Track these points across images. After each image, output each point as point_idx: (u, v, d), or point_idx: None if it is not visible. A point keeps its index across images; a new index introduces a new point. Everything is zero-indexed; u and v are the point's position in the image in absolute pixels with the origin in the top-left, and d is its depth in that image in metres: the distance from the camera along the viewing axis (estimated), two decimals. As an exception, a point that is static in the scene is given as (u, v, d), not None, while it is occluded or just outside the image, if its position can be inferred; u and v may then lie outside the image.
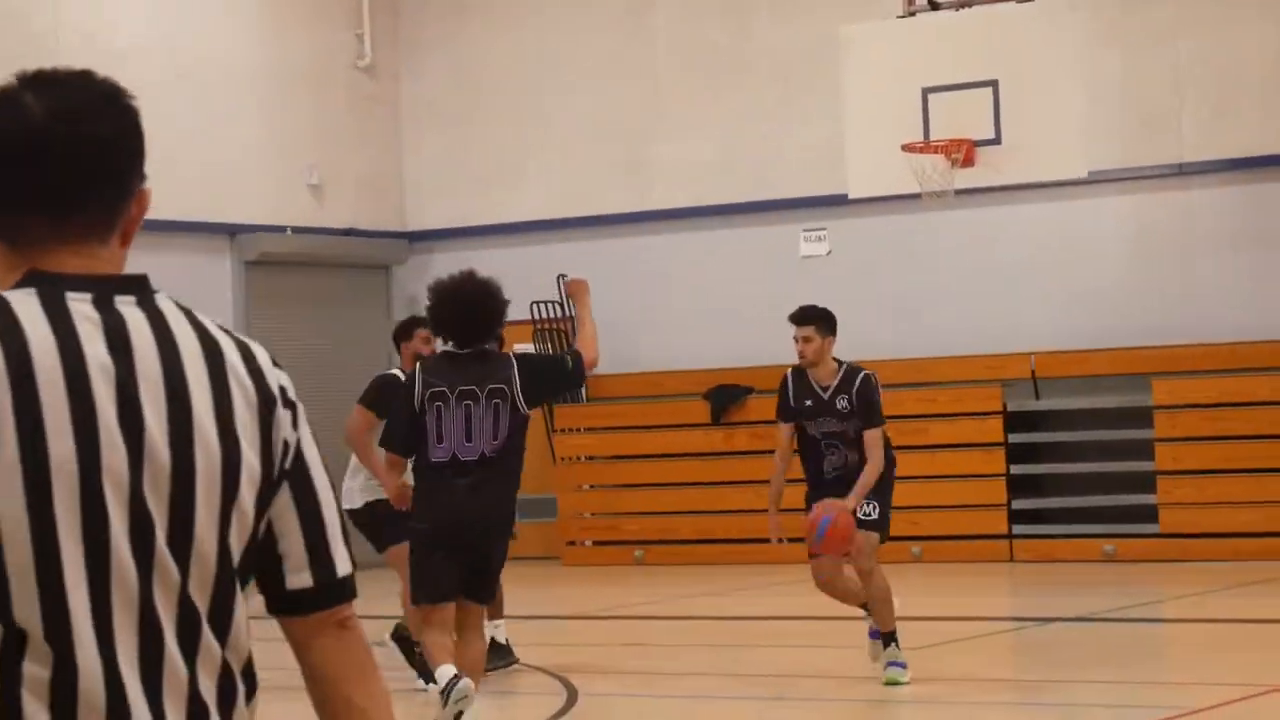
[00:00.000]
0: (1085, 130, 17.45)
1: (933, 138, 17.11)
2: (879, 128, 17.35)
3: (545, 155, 22.33)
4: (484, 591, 9.21)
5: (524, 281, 21.88)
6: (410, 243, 23.00)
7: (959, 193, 17.39)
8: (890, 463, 11.33)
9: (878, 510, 11.18)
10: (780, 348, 20.91)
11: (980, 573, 18.64)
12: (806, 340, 11.48)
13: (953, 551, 19.50)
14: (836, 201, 19.58)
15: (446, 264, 22.93)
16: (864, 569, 11.22)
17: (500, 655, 11.88)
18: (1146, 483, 19.02)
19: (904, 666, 11.14)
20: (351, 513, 11.49)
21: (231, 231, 21.33)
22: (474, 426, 8.95)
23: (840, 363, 11.52)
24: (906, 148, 17.06)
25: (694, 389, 21.03)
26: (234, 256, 21.40)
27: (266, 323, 21.65)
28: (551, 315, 21.79)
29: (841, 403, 11.23)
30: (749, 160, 21.15)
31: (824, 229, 20.85)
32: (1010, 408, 19.71)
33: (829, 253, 20.88)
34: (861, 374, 11.46)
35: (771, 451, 11.51)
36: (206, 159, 20.88)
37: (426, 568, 9.06)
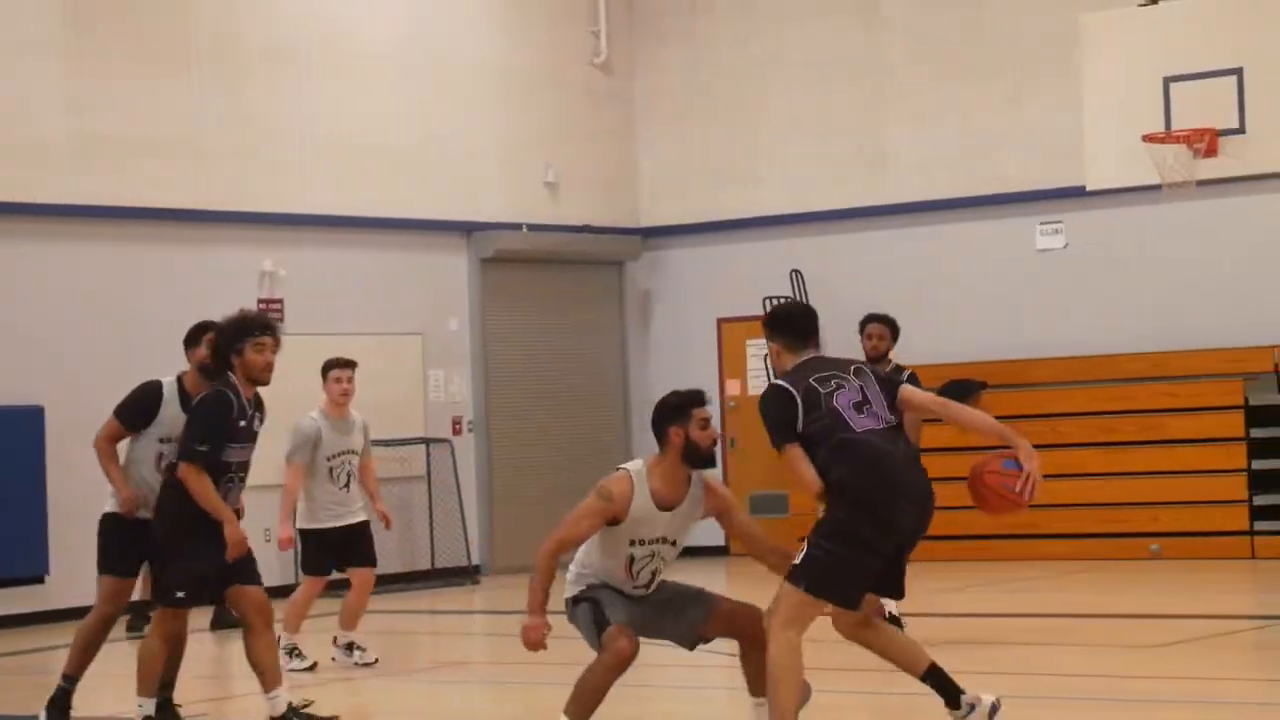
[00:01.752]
0: (1332, 118, 17.05)
1: (1174, 128, 16.81)
2: (1119, 118, 17.08)
3: (779, 150, 22.31)
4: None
5: (756, 277, 21.94)
6: (644, 239, 23.10)
7: (1201, 183, 17.07)
8: (839, 493, 8.46)
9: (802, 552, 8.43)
10: (1017, 340, 20.79)
11: (1221, 570, 18.33)
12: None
13: (1192, 548, 19.19)
14: (1074, 194, 19.35)
15: (680, 260, 23.13)
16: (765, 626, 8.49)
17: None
18: (1396, 479, 18.57)
19: None
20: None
21: (468, 229, 21.56)
22: None
23: None
24: (1147, 138, 16.79)
25: (927, 383, 20.84)
26: (470, 254, 21.64)
27: (501, 319, 21.87)
28: (785, 310, 21.74)
29: None
30: (984, 152, 20.96)
31: (1060, 222, 20.61)
32: (1252, 402, 19.34)
33: (1065, 246, 20.63)
34: None
35: (992, 448, 8.71)
36: (445, 157, 21.15)
37: None
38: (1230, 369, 19.56)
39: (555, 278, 22.49)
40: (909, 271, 21.27)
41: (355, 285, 20.50)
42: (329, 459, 13.26)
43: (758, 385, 22.19)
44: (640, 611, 8.79)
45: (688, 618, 8.86)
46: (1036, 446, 8.75)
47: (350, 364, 13.48)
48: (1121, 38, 17.28)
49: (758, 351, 22.14)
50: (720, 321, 22.65)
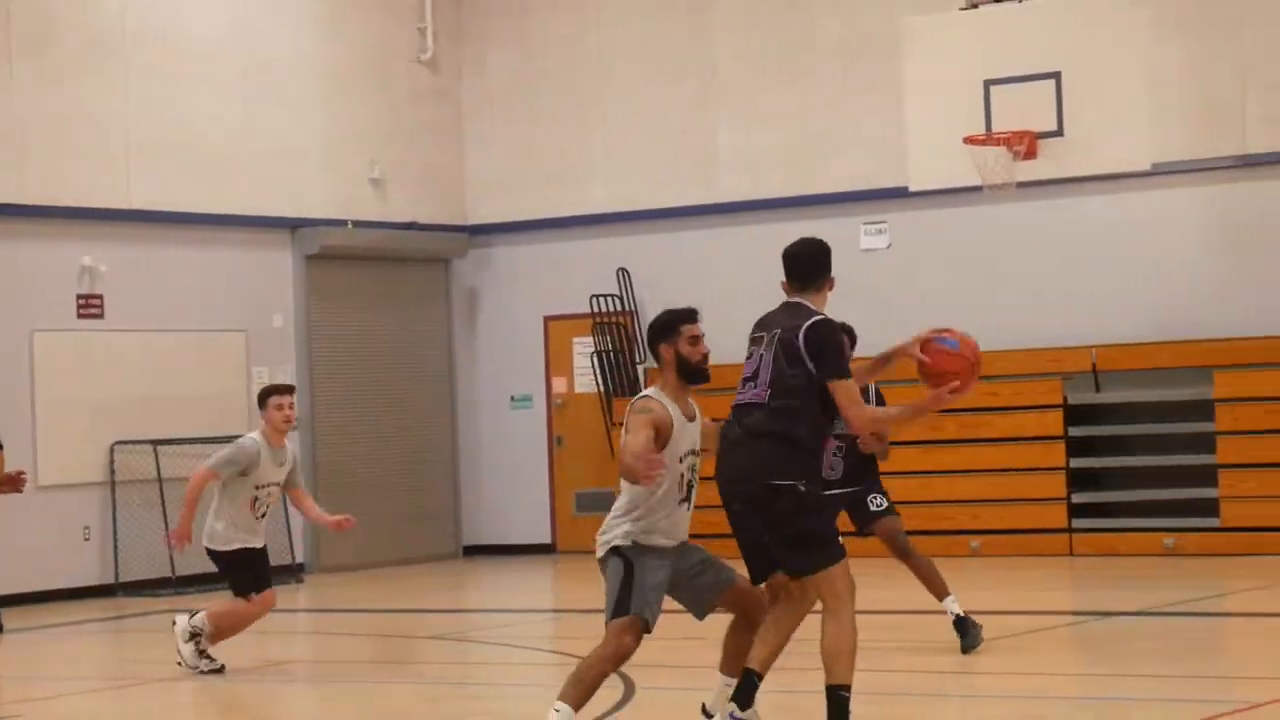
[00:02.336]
0: (1149, 122, 17.36)
1: (995, 130, 17.05)
2: (941, 120, 17.30)
3: (606, 149, 22.34)
4: None
5: (584, 275, 21.97)
6: (470, 236, 23.04)
7: (1021, 185, 17.33)
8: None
9: None
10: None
11: (1039, 566, 18.60)
12: None
13: (1012, 545, 19.46)
14: (897, 194, 19.55)
15: (507, 258, 23.10)
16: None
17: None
18: (1208, 476, 18.93)
19: None
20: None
21: (293, 225, 21.40)
22: None
23: None
24: (968, 140, 17.01)
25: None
26: (295, 250, 21.47)
27: (326, 316, 21.73)
28: (611, 309, 21.81)
29: None
30: (810, 153, 21.12)
31: (884, 222, 20.81)
32: (1071, 401, 19.65)
33: (889, 246, 20.83)
34: None
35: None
36: (268, 152, 20.97)
37: None
38: (1050, 368, 19.85)
39: (381, 274, 22.38)
40: (735, 270, 21.37)
41: (177, 281, 20.28)
42: (257, 487, 12.75)
43: (585, 384, 22.23)
44: (673, 570, 8.85)
45: (710, 582, 9.02)
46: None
47: (291, 389, 12.98)
48: (943, 40, 17.51)
49: (584, 349, 22.17)
50: (547, 319, 22.65)
